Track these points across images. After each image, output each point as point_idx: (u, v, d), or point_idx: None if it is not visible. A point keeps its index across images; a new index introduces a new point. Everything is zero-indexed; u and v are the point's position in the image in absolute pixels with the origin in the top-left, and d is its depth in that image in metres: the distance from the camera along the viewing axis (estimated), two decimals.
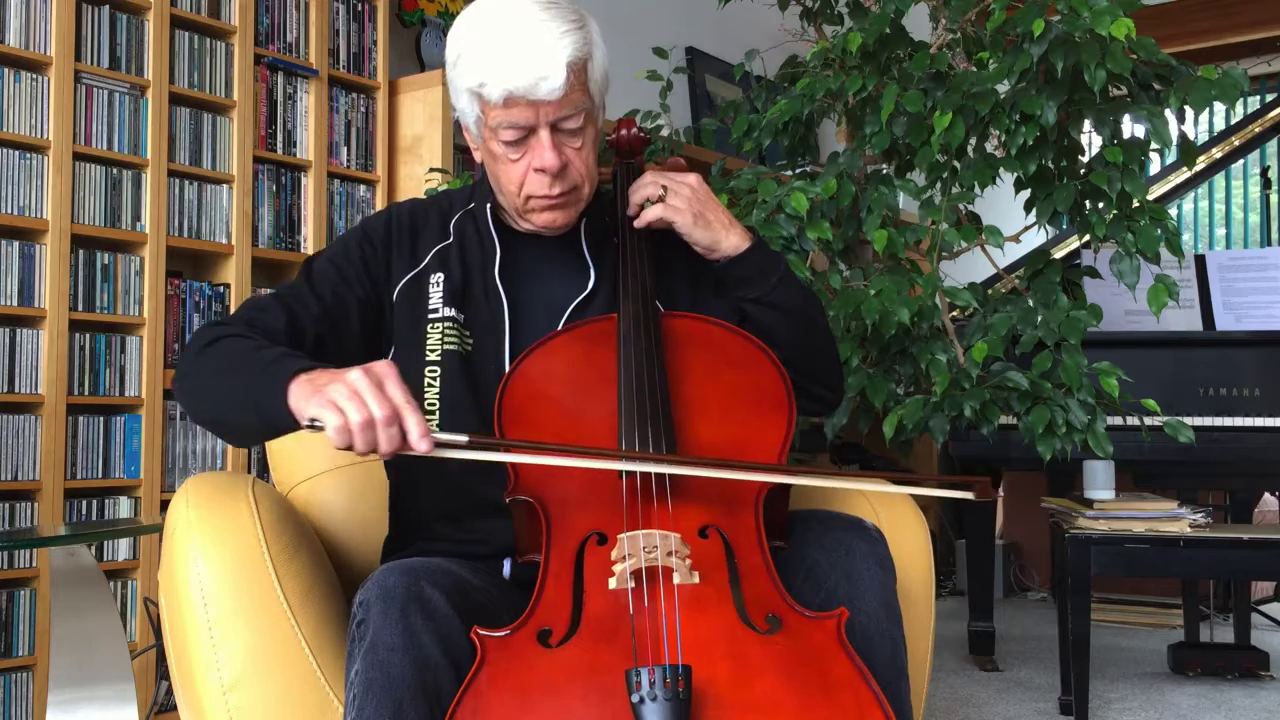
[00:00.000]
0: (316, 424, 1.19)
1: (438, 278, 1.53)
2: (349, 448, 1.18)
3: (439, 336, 1.50)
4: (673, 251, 1.58)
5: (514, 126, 1.41)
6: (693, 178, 1.57)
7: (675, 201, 1.53)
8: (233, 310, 2.95)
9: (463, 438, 1.23)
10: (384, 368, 1.21)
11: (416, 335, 1.51)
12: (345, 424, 1.17)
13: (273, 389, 1.24)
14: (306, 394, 1.21)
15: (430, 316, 1.51)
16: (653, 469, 1.31)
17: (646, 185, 1.56)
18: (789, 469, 1.32)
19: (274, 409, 1.24)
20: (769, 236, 2.52)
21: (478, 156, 1.52)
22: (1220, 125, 5.75)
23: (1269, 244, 4.48)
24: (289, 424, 1.24)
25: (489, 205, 1.56)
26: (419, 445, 1.19)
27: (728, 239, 1.54)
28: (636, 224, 1.55)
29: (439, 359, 1.49)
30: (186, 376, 1.39)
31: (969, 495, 1.28)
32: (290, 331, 1.43)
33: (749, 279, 1.55)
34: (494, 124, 1.41)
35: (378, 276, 1.53)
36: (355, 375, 1.19)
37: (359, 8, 3.33)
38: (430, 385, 1.48)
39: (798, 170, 2.95)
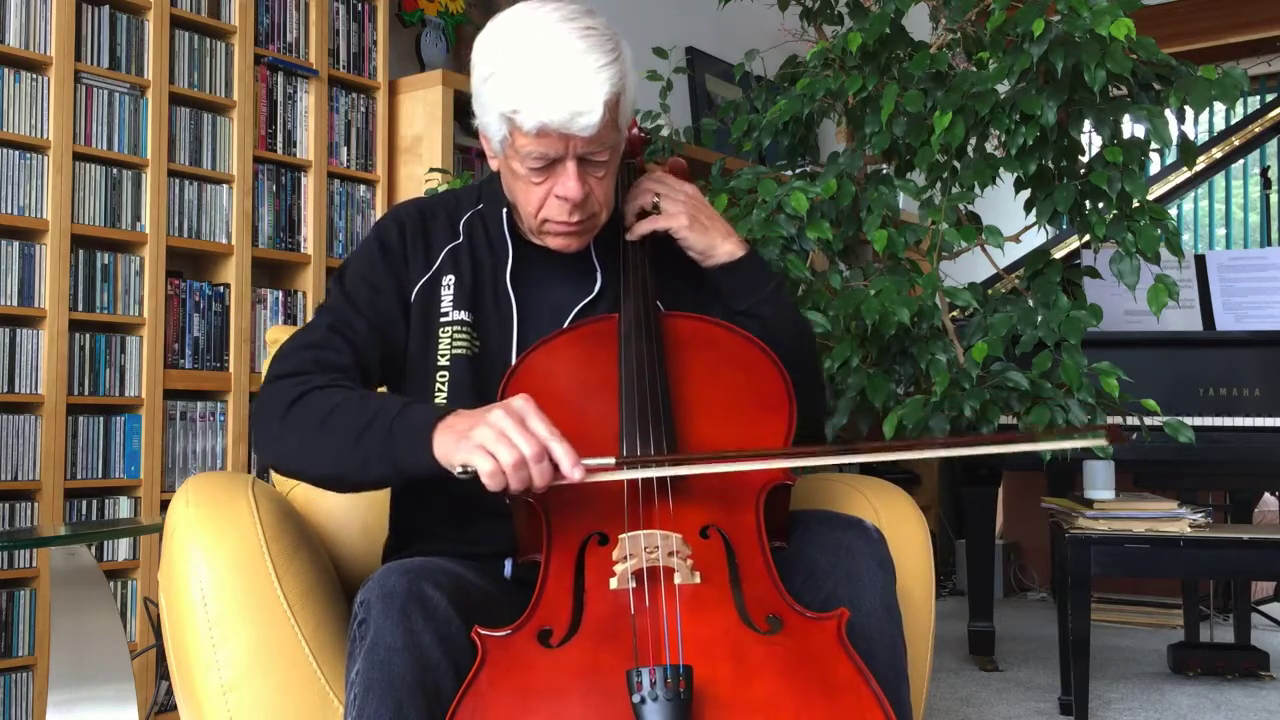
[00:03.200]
0: (468, 470, 1.20)
1: (449, 280, 1.53)
2: (505, 489, 1.20)
3: (449, 340, 1.50)
4: (672, 257, 1.59)
5: (543, 156, 1.40)
6: (688, 186, 1.59)
7: (670, 207, 1.55)
8: (232, 305, 2.98)
9: (610, 460, 1.24)
10: (522, 403, 1.22)
11: (428, 339, 1.51)
12: (498, 467, 1.18)
13: (414, 441, 1.25)
14: (452, 442, 1.22)
15: (441, 320, 1.51)
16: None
17: (642, 194, 1.57)
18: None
19: (417, 461, 1.25)
20: (769, 236, 2.52)
21: (494, 166, 1.52)
22: (1220, 125, 5.75)
23: (1269, 244, 4.48)
24: (431, 473, 1.25)
25: (505, 210, 1.56)
26: (571, 475, 1.20)
27: (723, 245, 1.56)
28: (629, 237, 1.56)
29: (448, 363, 1.49)
30: (283, 437, 1.36)
31: (1101, 442, 1.23)
32: (359, 364, 1.44)
33: (742, 288, 1.57)
34: (522, 150, 1.40)
35: (403, 280, 1.53)
36: (497, 415, 1.20)
37: (359, 8, 3.33)
38: (439, 390, 1.48)
39: (798, 170, 2.95)
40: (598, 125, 1.36)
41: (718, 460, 1.32)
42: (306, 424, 1.34)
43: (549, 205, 1.45)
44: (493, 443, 1.19)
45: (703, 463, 1.31)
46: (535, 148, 1.39)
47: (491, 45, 1.42)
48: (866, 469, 4.76)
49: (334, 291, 1.52)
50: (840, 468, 4.46)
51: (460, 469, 1.21)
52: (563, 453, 1.20)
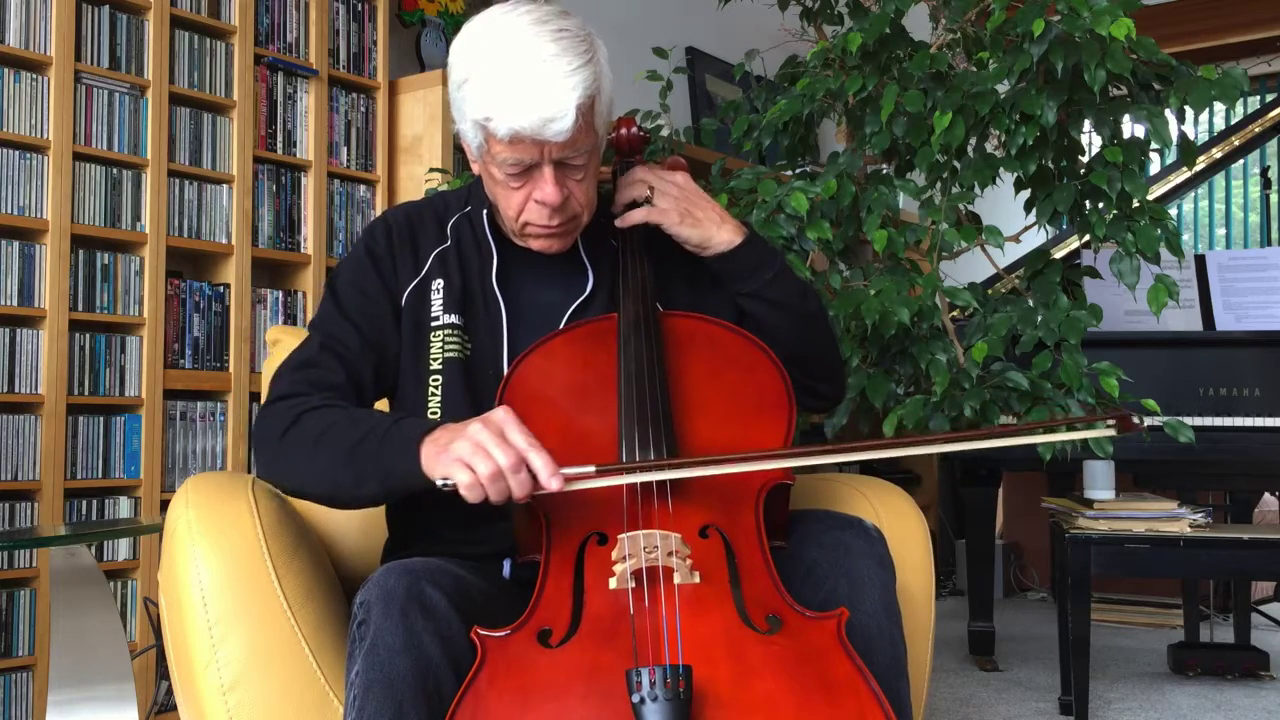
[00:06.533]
0: (448, 483, 1.22)
1: (438, 283, 1.53)
2: (485, 500, 1.21)
3: (440, 344, 1.50)
4: (671, 251, 1.58)
5: (519, 163, 1.40)
6: (679, 175, 1.57)
7: (661, 202, 1.54)
8: (232, 305, 2.98)
9: (590, 469, 1.24)
10: (502, 414, 1.23)
11: (420, 343, 1.51)
12: (475, 480, 1.20)
13: (404, 457, 1.27)
14: (434, 455, 1.24)
15: (432, 324, 1.51)
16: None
17: (634, 184, 1.56)
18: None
19: (408, 476, 1.27)
20: (769, 236, 2.52)
21: (475, 170, 1.52)
22: (1220, 125, 5.75)
23: (1269, 244, 4.47)
24: (421, 487, 1.27)
25: (485, 211, 1.56)
26: (550, 485, 1.21)
27: (719, 234, 1.54)
28: (619, 224, 1.55)
29: (440, 367, 1.49)
30: (280, 458, 1.39)
31: (1110, 432, 1.25)
32: (351, 380, 1.46)
33: (744, 274, 1.55)
34: (498, 156, 1.40)
35: (393, 286, 1.53)
36: (476, 429, 1.21)
37: (359, 8, 3.33)
38: (433, 394, 1.48)
39: (798, 170, 2.95)
40: (570, 130, 1.35)
41: (701, 464, 1.31)
42: (302, 445, 1.36)
43: (529, 209, 1.44)
44: (470, 455, 1.20)
45: (685, 467, 1.30)
46: (510, 154, 1.38)
47: (464, 51, 1.41)
48: (866, 469, 4.76)
49: (326, 301, 1.53)
50: (840, 467, 4.46)
51: (441, 481, 1.22)
52: (541, 463, 1.21)
